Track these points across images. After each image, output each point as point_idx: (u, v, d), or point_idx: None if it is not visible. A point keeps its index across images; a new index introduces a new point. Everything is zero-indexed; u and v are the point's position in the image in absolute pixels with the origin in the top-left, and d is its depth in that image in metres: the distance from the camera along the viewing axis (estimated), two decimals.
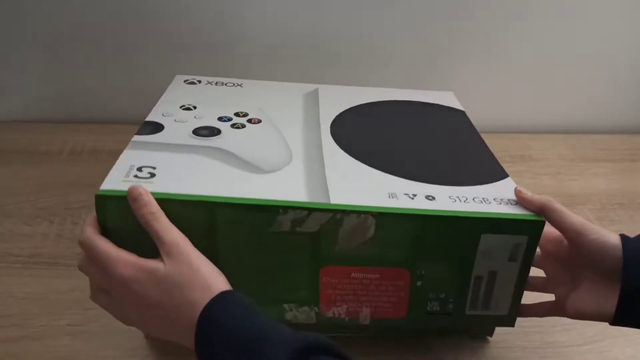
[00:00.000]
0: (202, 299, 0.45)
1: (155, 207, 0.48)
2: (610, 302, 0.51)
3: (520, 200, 0.54)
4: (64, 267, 0.69)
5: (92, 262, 0.49)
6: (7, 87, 0.89)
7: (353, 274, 0.54)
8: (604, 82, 1.04)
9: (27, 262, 0.69)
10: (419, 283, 0.55)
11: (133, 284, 0.46)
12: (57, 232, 0.73)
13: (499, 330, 0.64)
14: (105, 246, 0.48)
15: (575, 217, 0.53)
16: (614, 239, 0.51)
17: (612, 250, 0.50)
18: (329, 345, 0.42)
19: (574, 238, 0.52)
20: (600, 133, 1.06)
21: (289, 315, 0.56)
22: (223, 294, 0.45)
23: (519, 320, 0.59)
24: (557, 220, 0.53)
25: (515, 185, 0.57)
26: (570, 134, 1.04)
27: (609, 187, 0.92)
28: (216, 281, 0.47)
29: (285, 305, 0.55)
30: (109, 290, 0.49)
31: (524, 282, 0.56)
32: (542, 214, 0.53)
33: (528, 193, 0.54)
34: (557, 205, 0.53)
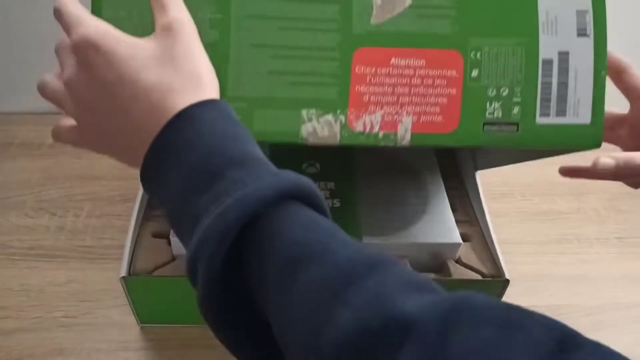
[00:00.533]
0: (184, 95, 0.35)
1: None
2: None
3: None
4: (63, 260, 0.69)
5: (64, 34, 0.38)
6: (14, 80, 0.89)
7: (393, 60, 0.45)
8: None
9: (27, 254, 0.69)
10: (474, 73, 0.45)
11: (100, 53, 0.35)
12: (58, 225, 0.73)
13: None
14: (78, 9, 0.38)
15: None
16: None
17: None
18: (315, 194, 0.34)
19: None
20: None
21: (306, 130, 0.45)
22: (214, 100, 0.36)
23: None
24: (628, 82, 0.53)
25: None
26: None
27: None
28: (211, 84, 0.38)
29: (304, 113, 0.45)
30: (70, 63, 0.38)
31: (603, 78, 0.47)
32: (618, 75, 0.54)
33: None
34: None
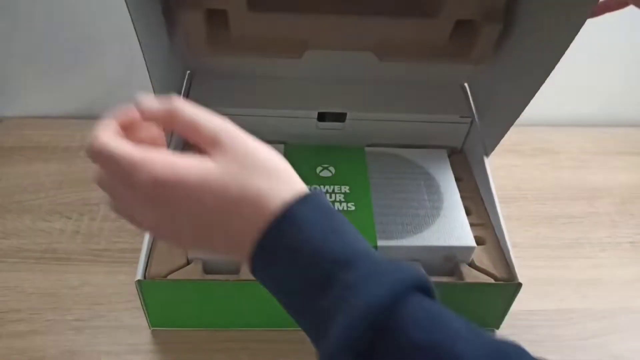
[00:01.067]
0: (273, 195, 0.35)
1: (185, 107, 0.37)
2: None
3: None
4: (77, 263, 0.70)
5: (113, 176, 0.37)
6: (28, 84, 0.90)
7: None
8: (623, 75, 1.00)
9: (40, 257, 0.70)
10: None
11: (175, 190, 0.35)
12: (73, 229, 0.74)
13: (505, 323, 0.64)
14: (126, 149, 0.35)
15: None
16: None
17: None
18: (428, 285, 0.34)
19: None
20: (620, 126, 1.02)
21: None
22: (308, 195, 0.36)
23: (525, 313, 0.57)
24: None
25: None
26: (590, 127, 1.01)
27: (630, 181, 0.89)
28: (284, 169, 0.37)
29: None
30: (139, 207, 0.37)
31: None
32: None
33: None
34: None
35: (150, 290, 0.58)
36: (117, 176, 0.36)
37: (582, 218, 0.81)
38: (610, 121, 1.04)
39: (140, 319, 0.62)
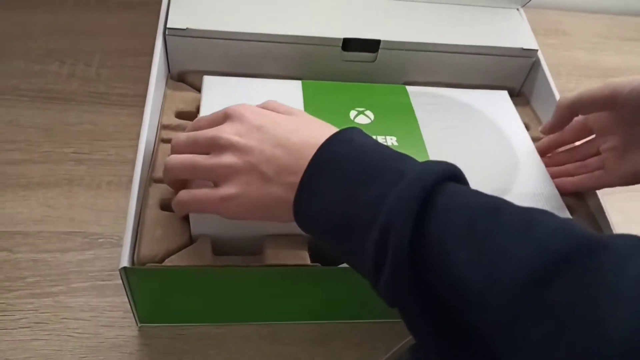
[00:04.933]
0: (326, 133, 0.40)
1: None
2: None
3: (546, 132, 0.53)
4: (75, 103, 0.66)
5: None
6: None
7: None
8: None
9: (36, 96, 0.66)
10: None
11: (263, 116, 0.42)
12: (69, 72, 0.70)
13: None
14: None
15: (602, 88, 0.49)
16: None
17: None
18: (463, 177, 0.37)
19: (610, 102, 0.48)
20: (634, 15, 0.99)
21: None
22: (350, 127, 0.41)
23: None
24: (582, 102, 0.50)
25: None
26: (603, 14, 0.98)
27: None
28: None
29: None
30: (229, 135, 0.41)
31: None
32: (572, 115, 0.51)
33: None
34: (569, 96, 0.51)
35: (141, 280, 0.44)
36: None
37: None
38: (622, 10, 1.01)
39: None
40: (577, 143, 0.55)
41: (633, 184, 0.50)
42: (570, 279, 0.27)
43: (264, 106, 0.44)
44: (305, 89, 0.56)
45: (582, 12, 0.97)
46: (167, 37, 0.58)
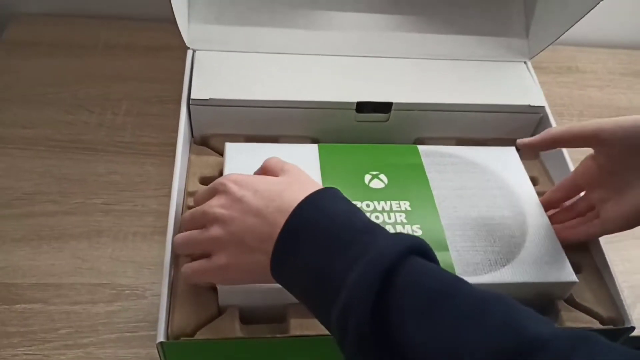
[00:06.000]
0: (303, 192, 0.42)
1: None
2: None
3: (523, 147, 0.53)
4: (103, 154, 0.70)
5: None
6: None
7: None
8: None
9: (67, 147, 0.70)
10: None
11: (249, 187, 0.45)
12: (97, 122, 0.74)
13: None
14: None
15: (589, 123, 0.49)
16: None
17: None
18: (429, 250, 0.39)
19: (593, 139, 0.49)
20: None
21: None
22: (326, 188, 0.44)
23: None
24: (565, 136, 0.50)
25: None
26: (618, 49, 0.99)
27: None
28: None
29: None
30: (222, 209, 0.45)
31: None
32: (554, 147, 0.52)
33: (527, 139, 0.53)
34: (559, 128, 0.51)
35: (176, 353, 0.47)
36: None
37: None
38: (638, 44, 1.02)
39: (166, 207, 0.57)
40: (573, 200, 0.57)
41: (628, 228, 0.51)
42: None
43: (263, 165, 0.49)
44: (321, 153, 0.58)
45: (598, 48, 0.98)
46: (191, 106, 0.62)
